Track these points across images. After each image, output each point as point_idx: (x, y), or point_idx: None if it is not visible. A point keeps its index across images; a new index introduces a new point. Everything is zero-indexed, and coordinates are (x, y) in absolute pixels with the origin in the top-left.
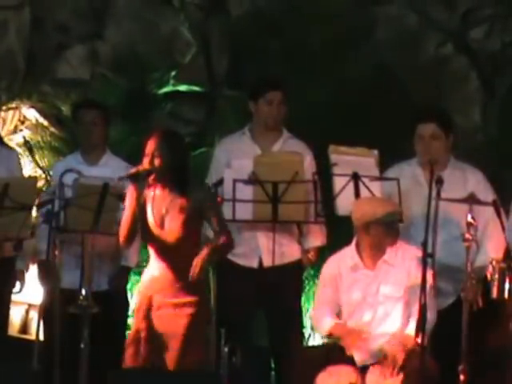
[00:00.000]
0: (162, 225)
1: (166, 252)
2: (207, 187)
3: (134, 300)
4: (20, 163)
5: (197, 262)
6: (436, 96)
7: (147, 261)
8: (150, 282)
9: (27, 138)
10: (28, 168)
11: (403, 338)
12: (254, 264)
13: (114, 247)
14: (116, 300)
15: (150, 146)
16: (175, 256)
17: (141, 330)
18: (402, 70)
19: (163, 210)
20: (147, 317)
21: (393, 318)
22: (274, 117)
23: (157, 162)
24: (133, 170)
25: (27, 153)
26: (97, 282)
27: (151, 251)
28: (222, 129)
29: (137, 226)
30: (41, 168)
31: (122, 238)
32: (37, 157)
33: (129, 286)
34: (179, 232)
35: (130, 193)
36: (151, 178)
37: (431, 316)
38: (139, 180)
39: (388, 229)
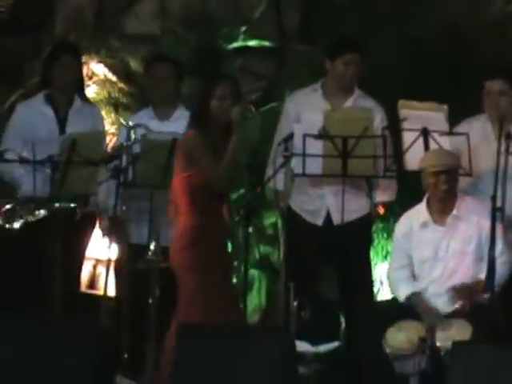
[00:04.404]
0: None
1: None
2: None
3: None
4: (103, 119)
5: None
6: (503, 53)
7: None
8: None
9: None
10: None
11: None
12: (319, 222)
13: None
14: None
15: None
16: None
17: None
18: (469, 28)
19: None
20: None
21: (462, 273)
22: (350, 78)
23: None
24: None
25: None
26: (168, 237)
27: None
28: (292, 84)
29: None
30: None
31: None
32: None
33: None
34: None
35: None
36: None
37: (503, 270)
38: None
39: (448, 177)
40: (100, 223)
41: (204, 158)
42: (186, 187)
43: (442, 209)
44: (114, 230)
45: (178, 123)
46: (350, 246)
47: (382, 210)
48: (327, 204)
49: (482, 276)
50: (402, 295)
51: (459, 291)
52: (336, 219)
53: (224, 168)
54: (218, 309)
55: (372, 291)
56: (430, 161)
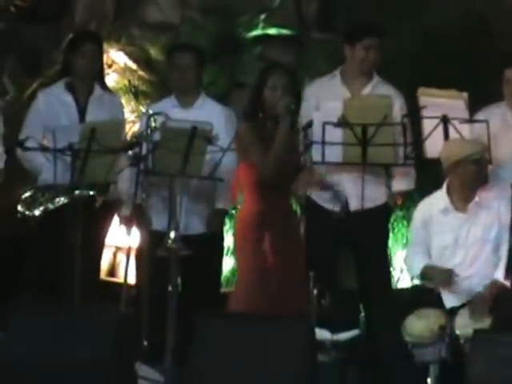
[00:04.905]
0: None
1: None
2: None
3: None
4: (123, 108)
5: None
6: None
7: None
8: None
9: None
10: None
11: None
12: (337, 208)
13: (208, 190)
14: (212, 243)
15: None
16: None
17: None
18: (488, 15)
19: None
20: None
21: (482, 260)
22: (371, 62)
23: None
24: None
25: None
26: (192, 226)
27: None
28: (311, 72)
29: None
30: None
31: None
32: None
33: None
34: None
35: None
36: None
37: None
38: None
39: (477, 167)
40: (118, 211)
41: (254, 151)
42: (246, 177)
43: (464, 196)
44: (136, 218)
45: (201, 110)
46: (365, 235)
47: (400, 200)
48: (345, 191)
49: (497, 274)
50: (417, 267)
51: (476, 307)
52: (353, 206)
53: (271, 161)
54: (264, 296)
55: (389, 280)
56: (470, 149)
